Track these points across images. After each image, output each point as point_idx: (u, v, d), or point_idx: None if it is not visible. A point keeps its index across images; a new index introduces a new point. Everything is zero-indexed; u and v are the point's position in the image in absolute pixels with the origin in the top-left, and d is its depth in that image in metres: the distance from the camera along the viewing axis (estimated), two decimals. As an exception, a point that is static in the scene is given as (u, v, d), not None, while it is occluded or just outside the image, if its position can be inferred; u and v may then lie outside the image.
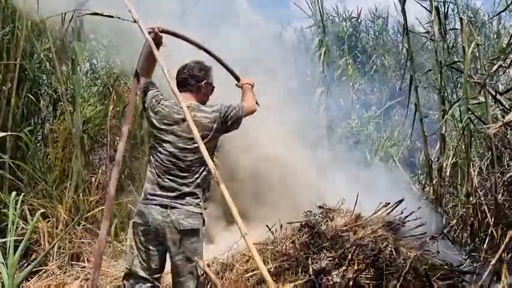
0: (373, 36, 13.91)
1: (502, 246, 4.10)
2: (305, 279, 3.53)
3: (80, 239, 4.72)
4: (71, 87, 5.41)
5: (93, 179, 5.22)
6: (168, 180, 2.86)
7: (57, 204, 4.78)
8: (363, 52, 13.16)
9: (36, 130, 5.61)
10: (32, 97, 5.20)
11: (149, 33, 2.86)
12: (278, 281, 3.58)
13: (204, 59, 3.23)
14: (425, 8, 5.19)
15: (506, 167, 5.21)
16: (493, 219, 4.66)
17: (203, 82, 3.04)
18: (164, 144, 2.88)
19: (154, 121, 2.92)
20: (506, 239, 4.12)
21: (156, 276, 2.96)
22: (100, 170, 5.63)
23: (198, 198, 2.91)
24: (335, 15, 13.35)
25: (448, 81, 6.34)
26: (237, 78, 3.47)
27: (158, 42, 2.97)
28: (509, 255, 4.31)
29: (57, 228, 4.68)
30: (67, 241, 4.64)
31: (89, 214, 4.91)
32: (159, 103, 2.94)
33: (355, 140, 8.79)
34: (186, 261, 2.88)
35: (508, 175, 4.76)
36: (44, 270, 4.42)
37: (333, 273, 3.47)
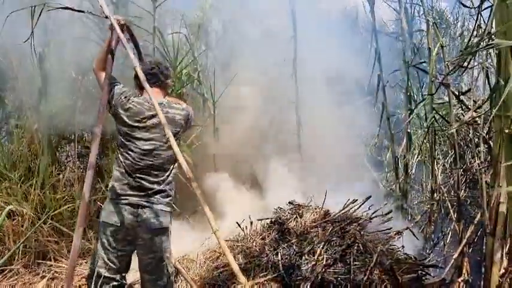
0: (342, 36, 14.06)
1: (464, 241, 4.24)
2: (275, 275, 3.58)
3: (47, 237, 4.62)
4: (38, 82, 5.28)
5: (60, 176, 5.11)
6: (139, 179, 2.81)
7: (23, 202, 4.66)
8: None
9: (0, 126, 5.46)
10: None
11: (116, 24, 2.79)
12: (248, 276, 3.60)
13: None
14: (394, 9, 5.30)
15: (468, 164, 5.39)
16: (455, 214, 4.81)
17: (169, 80, 3.10)
18: (136, 142, 2.83)
19: (125, 118, 2.85)
20: (468, 234, 4.27)
21: (122, 275, 2.93)
22: (68, 167, 5.52)
23: (168, 196, 2.90)
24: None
25: (414, 81, 6.50)
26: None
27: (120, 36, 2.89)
28: (471, 249, 4.48)
29: (22, 226, 4.57)
30: (33, 240, 4.54)
31: (55, 212, 4.80)
32: (128, 100, 2.88)
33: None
34: (158, 260, 2.88)
35: (467, 170, 4.91)
36: (8, 270, 4.32)
37: (302, 268, 3.52)
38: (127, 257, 2.92)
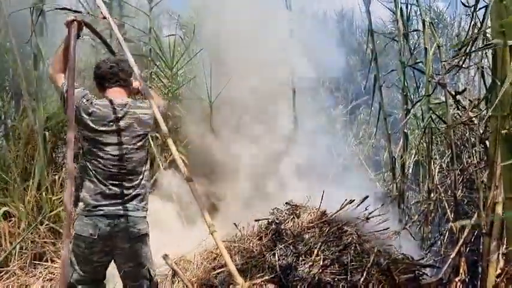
0: (338, 36, 14.09)
1: (461, 241, 4.24)
2: (272, 276, 3.57)
3: (43, 238, 4.61)
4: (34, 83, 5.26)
5: (56, 177, 5.09)
6: (113, 187, 2.67)
7: (19, 203, 4.65)
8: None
9: (-3, 126, 5.45)
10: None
11: (72, 21, 2.61)
12: (245, 277, 3.60)
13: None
14: (390, 10, 5.30)
15: (465, 164, 5.39)
16: (452, 214, 4.81)
17: (132, 78, 2.92)
18: (106, 148, 2.67)
19: (90, 123, 2.67)
20: (465, 234, 4.27)
21: (100, 283, 2.86)
22: (64, 168, 5.50)
23: (143, 200, 2.78)
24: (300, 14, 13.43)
25: (411, 81, 6.51)
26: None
27: (78, 33, 2.68)
28: (468, 249, 4.47)
29: (19, 227, 4.56)
30: (29, 241, 4.53)
31: (52, 213, 4.80)
32: (91, 103, 2.70)
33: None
34: (139, 267, 2.79)
35: (465, 171, 4.92)
36: (5, 271, 4.31)
37: (299, 269, 3.52)
38: (104, 267, 2.82)
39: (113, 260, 2.83)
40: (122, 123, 2.69)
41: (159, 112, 2.68)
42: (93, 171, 2.68)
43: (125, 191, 2.69)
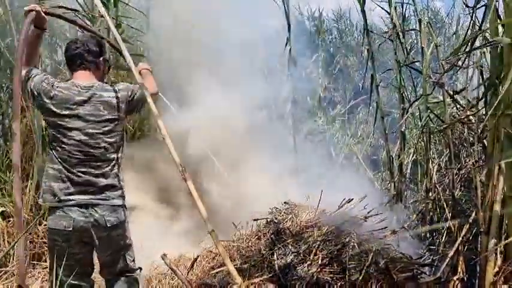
0: (336, 36, 14.09)
1: (459, 239, 4.25)
2: (270, 275, 3.58)
3: (42, 238, 4.60)
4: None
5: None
6: (81, 174, 2.53)
7: (17, 204, 4.64)
8: (326, 51, 13.32)
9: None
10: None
11: (29, 11, 2.55)
12: (244, 276, 3.60)
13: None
14: (385, 10, 5.31)
15: (463, 163, 5.41)
16: (450, 213, 4.82)
17: (101, 58, 2.71)
18: (70, 133, 2.53)
19: (52, 107, 2.53)
20: (463, 232, 4.28)
21: (87, 278, 2.75)
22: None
23: (119, 189, 2.66)
24: (299, 14, 13.44)
25: (408, 80, 6.52)
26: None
27: (40, 25, 2.62)
28: (465, 248, 4.49)
29: (17, 227, 4.55)
30: (28, 241, 4.52)
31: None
32: (53, 86, 2.56)
33: (320, 138, 8.92)
34: (117, 254, 2.72)
35: (462, 170, 4.94)
36: (3, 271, 4.31)
37: (298, 268, 3.52)
38: (88, 258, 2.72)
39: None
40: (86, 106, 2.54)
41: (145, 92, 2.67)
42: (59, 159, 2.54)
43: (95, 179, 2.56)
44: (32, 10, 2.56)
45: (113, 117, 2.59)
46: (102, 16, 2.74)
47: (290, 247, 3.74)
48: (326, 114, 9.90)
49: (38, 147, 4.90)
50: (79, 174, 2.54)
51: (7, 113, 5.58)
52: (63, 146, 2.53)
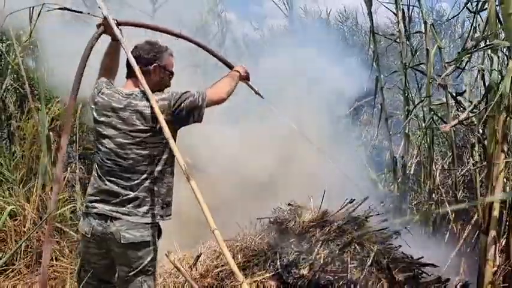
0: (342, 37, 14.12)
1: (461, 241, 4.28)
2: (273, 273, 3.63)
3: (48, 237, 4.66)
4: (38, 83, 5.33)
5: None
6: (109, 183, 2.43)
7: (25, 203, 4.71)
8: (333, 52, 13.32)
9: (2, 127, 5.51)
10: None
11: (100, 25, 2.58)
12: (247, 275, 3.65)
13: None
14: (391, 11, 5.35)
15: (466, 165, 5.43)
16: (453, 215, 4.84)
17: (152, 66, 2.51)
18: (103, 140, 2.45)
19: (95, 113, 2.50)
20: (465, 234, 4.31)
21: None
22: (69, 168, 5.56)
23: (145, 205, 2.45)
24: (304, 16, 13.50)
25: (413, 82, 6.54)
26: (230, 66, 3.03)
27: (114, 37, 2.61)
28: (468, 249, 4.51)
29: (24, 226, 4.62)
30: (34, 240, 4.59)
31: (57, 212, 4.85)
32: (99, 92, 2.51)
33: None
34: (130, 275, 2.48)
35: (464, 171, 4.95)
36: (11, 270, 4.36)
37: (300, 267, 3.57)
38: (105, 272, 2.58)
39: None
40: (120, 114, 2.42)
41: (200, 98, 2.47)
42: (96, 165, 2.51)
43: (122, 191, 2.42)
44: (102, 24, 2.58)
45: (146, 128, 2.40)
46: (105, 18, 2.69)
47: (293, 246, 3.79)
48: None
49: (45, 148, 4.97)
50: (107, 182, 2.44)
51: (14, 114, 5.66)
52: (98, 153, 2.48)
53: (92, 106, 2.51)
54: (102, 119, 2.45)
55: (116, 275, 2.57)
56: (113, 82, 2.69)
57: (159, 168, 2.46)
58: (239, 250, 4.05)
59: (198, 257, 4.01)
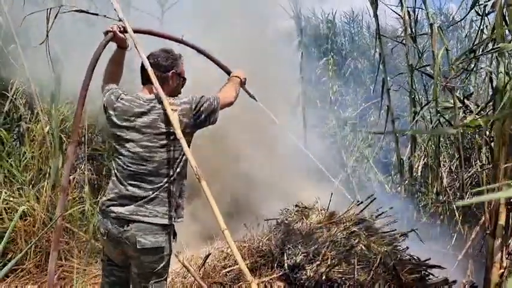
0: (348, 39, 14.12)
1: (469, 243, 4.28)
2: (280, 274, 3.65)
3: (59, 238, 4.71)
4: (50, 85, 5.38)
5: (70, 178, 5.21)
6: (131, 187, 2.45)
7: (34, 203, 4.76)
8: (338, 54, 13.34)
9: (12, 128, 5.57)
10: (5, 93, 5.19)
11: (107, 32, 2.62)
12: (254, 275, 3.68)
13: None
14: (397, 14, 5.36)
15: (473, 167, 5.42)
16: (460, 217, 4.85)
17: (170, 72, 2.58)
18: (126, 144, 2.47)
19: (114, 119, 2.52)
20: (472, 236, 4.31)
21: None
22: (78, 169, 5.62)
23: (165, 205, 2.49)
24: (311, 16, 13.48)
25: (420, 84, 6.53)
26: (228, 72, 3.11)
27: (121, 45, 2.70)
28: (475, 251, 4.51)
29: (34, 226, 4.67)
30: (44, 240, 4.63)
31: (66, 213, 4.90)
32: (118, 98, 2.55)
33: (332, 141, 8.96)
34: (143, 280, 2.53)
35: (471, 173, 4.95)
36: (20, 269, 4.41)
37: (307, 268, 3.59)
38: (125, 261, 2.59)
39: None
40: (144, 118, 2.46)
41: (215, 102, 2.58)
42: (115, 170, 2.52)
43: (144, 193, 2.45)
44: (109, 31, 2.63)
45: (170, 131, 2.45)
46: (120, 20, 2.73)
47: (300, 247, 3.81)
48: (337, 117, 9.93)
49: (54, 149, 5.02)
50: (128, 187, 2.46)
51: (24, 116, 5.71)
52: (120, 157, 2.50)
53: (111, 112, 2.54)
54: (125, 123, 2.49)
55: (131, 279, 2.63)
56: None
57: (178, 170, 2.52)
58: (247, 251, 4.08)
59: (207, 256, 4.04)
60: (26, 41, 5.14)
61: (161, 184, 2.47)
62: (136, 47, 2.64)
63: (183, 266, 3.55)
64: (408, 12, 5.22)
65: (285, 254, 3.80)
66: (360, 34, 14.16)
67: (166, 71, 2.58)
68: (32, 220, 4.70)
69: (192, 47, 3.10)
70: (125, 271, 2.64)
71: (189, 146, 2.51)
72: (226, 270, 3.89)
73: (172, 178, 2.50)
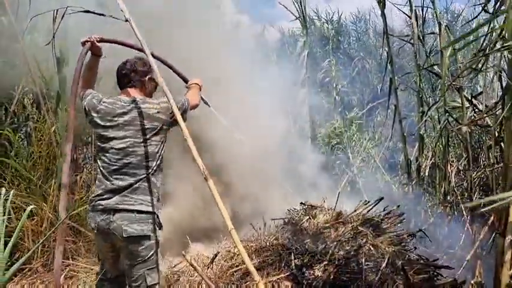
0: (354, 39, 14.09)
1: (477, 243, 4.24)
2: (287, 273, 3.64)
3: (65, 237, 4.71)
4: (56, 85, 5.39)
5: (78, 178, 5.22)
6: (116, 181, 2.66)
7: (42, 203, 4.77)
8: (344, 54, 13.31)
9: (20, 128, 5.59)
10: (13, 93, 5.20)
11: (85, 42, 2.83)
12: (261, 275, 3.67)
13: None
14: (405, 13, 5.33)
15: (482, 167, 5.38)
16: (468, 217, 4.80)
17: (147, 77, 2.87)
18: (111, 142, 2.70)
19: (98, 120, 2.74)
20: (481, 236, 4.27)
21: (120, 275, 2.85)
22: (85, 169, 5.63)
23: (148, 194, 2.70)
24: (315, 17, 13.47)
25: (428, 83, 6.49)
26: (185, 80, 3.35)
27: (96, 53, 2.92)
28: (484, 252, 4.47)
29: (41, 226, 4.68)
30: (51, 239, 4.65)
31: (73, 212, 4.91)
32: (100, 101, 2.78)
33: (338, 141, 8.92)
34: (135, 269, 2.69)
35: (480, 173, 4.91)
36: (28, 269, 4.43)
37: (315, 267, 3.57)
38: (115, 262, 2.81)
39: None
40: (126, 117, 2.71)
41: (186, 103, 2.85)
42: (101, 168, 2.72)
43: (126, 184, 2.66)
44: (87, 41, 2.84)
45: (151, 126, 2.71)
46: (127, 20, 2.77)
47: (307, 247, 3.80)
48: (343, 117, 9.90)
49: (62, 149, 5.02)
50: (114, 181, 2.66)
51: (32, 115, 5.73)
52: (106, 154, 2.71)
53: (94, 114, 2.76)
54: (108, 123, 2.72)
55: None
56: None
57: (158, 163, 2.77)
58: (254, 251, 4.07)
59: (216, 255, 4.04)
60: (33, 40, 5.16)
61: (144, 176, 2.69)
62: (142, 45, 2.75)
63: (190, 265, 3.54)
64: (415, 11, 5.18)
65: (292, 254, 3.79)
66: (366, 34, 14.12)
67: (143, 75, 2.87)
68: (40, 220, 4.71)
69: (156, 57, 3.14)
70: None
71: (164, 143, 2.81)
72: (233, 269, 3.88)
73: (153, 170, 2.72)
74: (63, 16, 3.15)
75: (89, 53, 2.90)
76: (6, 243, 3.45)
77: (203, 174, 2.35)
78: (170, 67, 3.36)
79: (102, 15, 2.93)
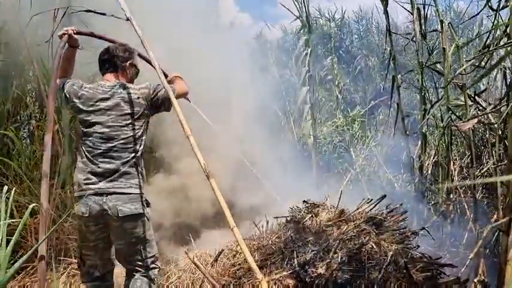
0: (357, 37, 14.06)
1: (480, 242, 4.22)
2: (290, 271, 3.63)
3: (67, 235, 4.72)
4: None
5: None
6: (102, 164, 2.73)
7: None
8: (347, 52, 13.29)
9: (22, 127, 5.59)
10: (19, 93, 5.20)
11: (63, 35, 2.87)
12: (264, 273, 3.66)
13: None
14: (407, 10, 5.31)
15: (485, 165, 5.36)
16: (471, 215, 4.79)
17: (128, 63, 2.95)
18: (94, 127, 2.77)
19: (80, 105, 2.81)
20: (484, 234, 4.25)
21: (107, 270, 2.92)
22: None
23: (134, 178, 2.79)
24: (318, 16, 13.44)
25: (431, 81, 6.46)
26: (165, 75, 3.25)
27: (73, 44, 2.95)
28: (487, 250, 4.45)
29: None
30: (54, 237, 4.64)
31: (75, 211, 4.89)
32: (81, 87, 2.84)
33: (340, 139, 8.92)
34: (130, 246, 2.80)
35: (483, 171, 4.89)
36: (30, 267, 4.42)
37: (317, 265, 3.56)
38: (104, 246, 2.85)
39: None
40: (108, 102, 2.78)
41: (172, 93, 2.83)
42: (85, 152, 2.77)
43: (114, 168, 2.74)
44: (65, 34, 2.89)
45: (132, 111, 2.80)
46: (128, 19, 2.82)
47: (310, 245, 3.79)
48: (345, 115, 9.88)
49: (64, 147, 5.02)
50: (100, 164, 2.73)
51: (34, 114, 5.74)
52: (89, 138, 2.77)
53: (75, 100, 2.82)
54: (90, 108, 2.78)
55: (115, 249, 2.87)
56: None
57: (141, 147, 2.86)
58: (256, 249, 4.07)
59: (219, 254, 4.04)
60: (34, 38, 5.16)
61: (128, 159, 2.78)
62: (143, 43, 2.83)
63: (193, 263, 3.54)
64: (418, 8, 5.16)
65: (295, 252, 3.78)
66: (369, 32, 14.09)
67: (124, 61, 2.93)
68: (40, 224, 4.70)
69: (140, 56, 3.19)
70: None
71: (146, 129, 2.91)
72: (236, 268, 3.88)
73: (138, 153, 2.82)
74: (63, 15, 3.16)
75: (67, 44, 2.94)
76: (8, 241, 3.45)
77: (205, 172, 2.34)
78: (147, 61, 3.23)
79: (104, 14, 2.94)
